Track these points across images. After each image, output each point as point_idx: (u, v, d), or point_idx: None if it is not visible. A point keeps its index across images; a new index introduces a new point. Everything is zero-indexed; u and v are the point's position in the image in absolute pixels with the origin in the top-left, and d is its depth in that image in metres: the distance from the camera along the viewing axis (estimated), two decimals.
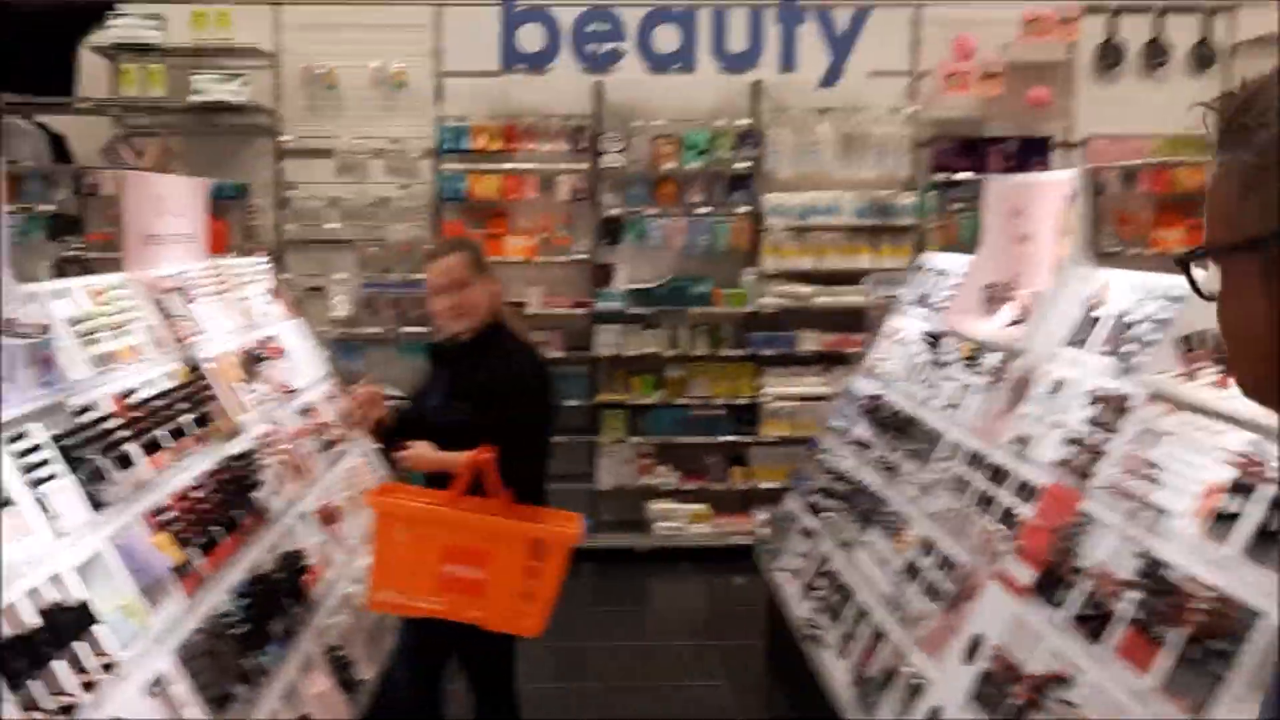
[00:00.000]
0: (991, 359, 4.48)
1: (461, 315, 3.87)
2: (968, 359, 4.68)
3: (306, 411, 5.29)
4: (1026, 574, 3.39)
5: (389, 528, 3.47)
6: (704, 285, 7.89)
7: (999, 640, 3.35)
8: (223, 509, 3.88)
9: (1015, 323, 4.59)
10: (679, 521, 7.81)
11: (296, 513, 4.62)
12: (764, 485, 7.89)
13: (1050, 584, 3.23)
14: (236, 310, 5.09)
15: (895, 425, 4.99)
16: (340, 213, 7.87)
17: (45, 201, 7.52)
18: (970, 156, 8.12)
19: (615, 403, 7.89)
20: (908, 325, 5.66)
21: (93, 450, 3.27)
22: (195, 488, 3.79)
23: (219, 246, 7.45)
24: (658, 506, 7.87)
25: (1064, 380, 3.81)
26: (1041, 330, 4.19)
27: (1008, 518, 3.71)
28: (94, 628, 2.88)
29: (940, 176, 7.97)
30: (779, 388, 7.89)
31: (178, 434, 3.87)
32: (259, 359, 4.80)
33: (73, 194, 7.57)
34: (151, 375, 3.93)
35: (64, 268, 7.07)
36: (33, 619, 2.70)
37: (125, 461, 3.44)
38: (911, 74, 8.08)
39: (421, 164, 7.93)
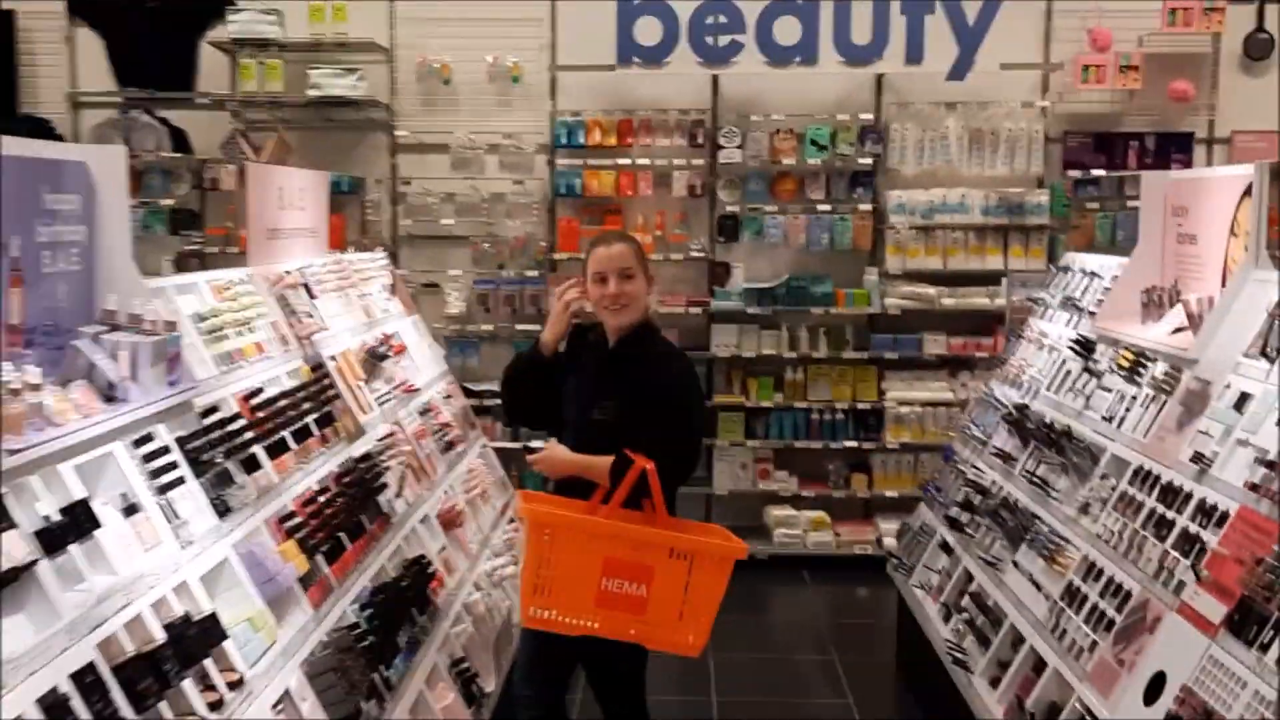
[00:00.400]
0: (1156, 369, 4.15)
1: (625, 307, 3.68)
2: (1128, 368, 4.35)
3: (426, 411, 5.15)
4: (1216, 608, 3.08)
5: (546, 540, 3.25)
6: (824, 285, 7.63)
7: (1188, 681, 3.05)
8: (348, 514, 3.73)
9: (1181, 330, 4.25)
10: (798, 529, 7.56)
11: (419, 516, 4.47)
12: (887, 493, 7.64)
13: (1248, 621, 2.92)
14: (358, 306, 4.97)
15: (1045, 438, 4.67)
16: (454, 208, 7.76)
17: (166, 195, 7.55)
18: (1105, 153, 7.74)
19: (732, 405, 7.66)
20: (1053, 330, 5.33)
21: (219, 453, 3.13)
22: (320, 491, 3.65)
23: (335, 241, 7.41)
24: (776, 513, 7.64)
25: (1249, 394, 3.48)
26: (1217, 339, 3.86)
27: (1187, 543, 3.39)
28: (222, 644, 2.72)
29: (1074, 173, 7.65)
30: (902, 392, 7.59)
31: (302, 435, 3.74)
32: (381, 356, 4.67)
33: (193, 188, 7.58)
34: (275, 373, 3.81)
35: (183, 262, 7.07)
36: (158, 633, 2.55)
37: (251, 465, 3.30)
38: (1044, 66, 7.70)
39: (536, 159, 7.78)
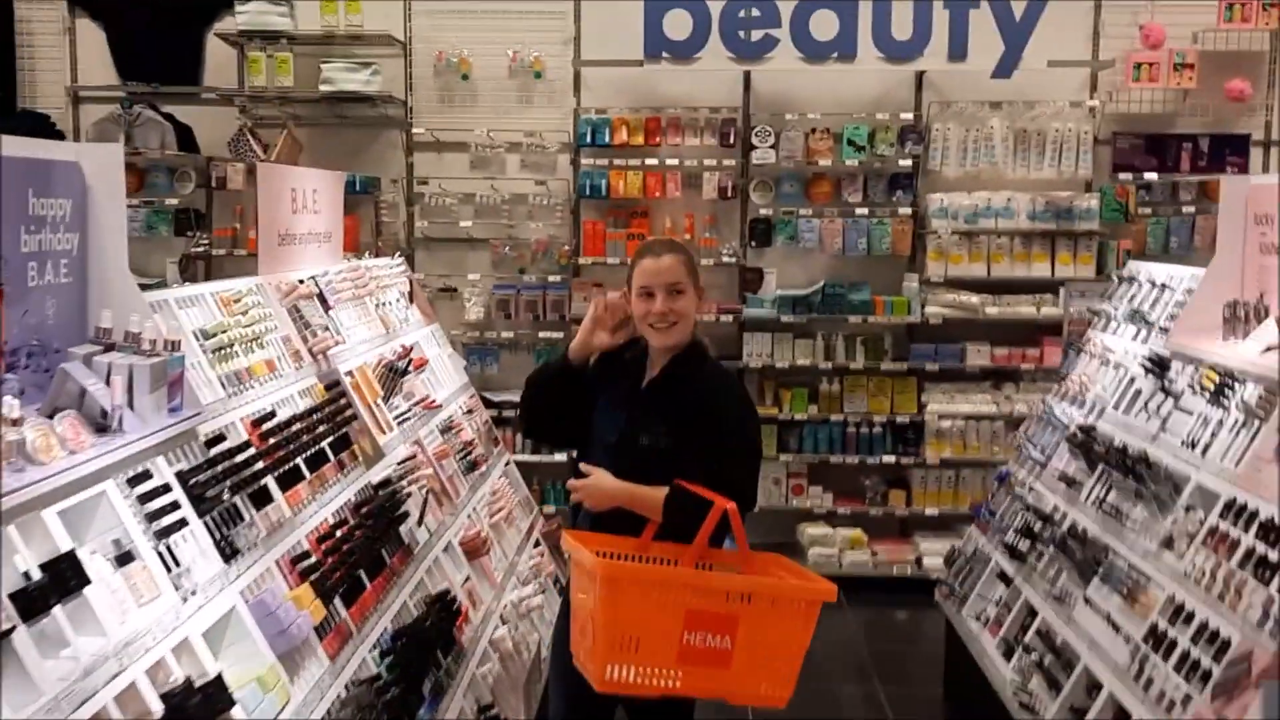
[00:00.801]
0: (1247, 392, 3.79)
1: (673, 325, 3.31)
2: (1212, 390, 4.00)
3: (449, 428, 4.81)
4: None
5: (621, 595, 2.87)
6: (862, 292, 7.31)
7: None
8: (367, 548, 3.39)
9: (1273, 349, 3.89)
10: (833, 548, 7.22)
11: (442, 545, 4.13)
12: (926, 511, 7.33)
13: None
14: (375, 316, 4.63)
15: (1120, 463, 4.31)
16: (473, 209, 7.44)
17: (171, 195, 7.23)
18: (1157, 155, 7.40)
19: (765, 417, 7.21)
20: (1118, 345, 4.98)
21: (225, 488, 2.79)
22: (337, 525, 3.31)
23: (349, 245, 7.08)
24: (810, 531, 7.31)
25: None
26: None
27: None
28: (229, 713, 2.38)
29: (1125, 177, 7.31)
30: (943, 405, 7.25)
31: (317, 462, 3.40)
32: (401, 371, 4.33)
33: (198, 187, 7.26)
34: (287, 393, 3.47)
35: (188, 264, 6.74)
36: (155, 705, 2.21)
37: (261, 499, 2.96)
38: (1093, 64, 7.35)
39: (559, 159, 7.47)
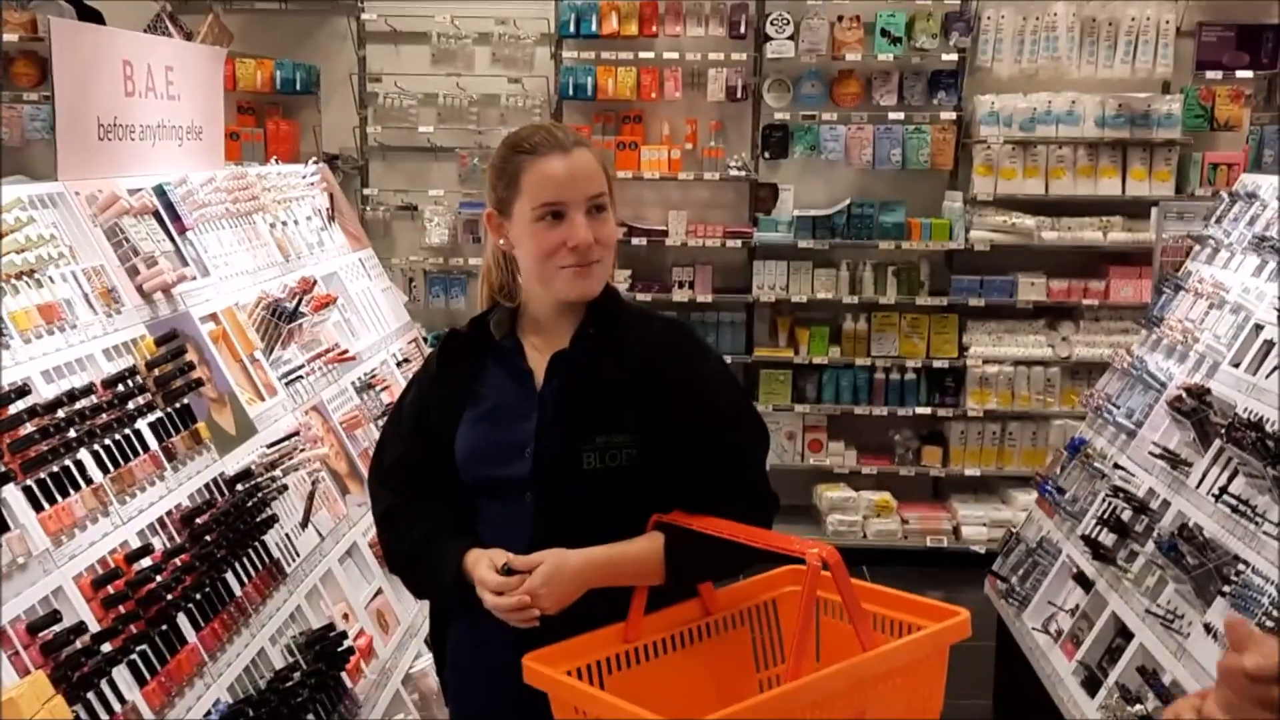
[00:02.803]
0: None
1: (597, 265, 2.06)
2: None
3: (369, 386, 3.73)
4: None
5: None
6: (895, 213, 6.31)
7: None
8: (199, 580, 2.33)
9: None
10: (856, 514, 6.29)
11: (340, 551, 3.08)
12: (966, 471, 6.39)
13: None
14: (269, 241, 3.53)
15: (1244, 440, 3.21)
16: (436, 113, 6.36)
17: None
18: (1249, 49, 6.30)
19: (777, 360, 6.42)
20: (1234, 281, 3.88)
21: None
22: (139, 553, 2.24)
23: (285, 152, 5.99)
24: (829, 494, 6.35)
25: None
26: None
27: None
28: None
29: (1211, 75, 6.26)
30: (988, 348, 6.27)
31: (122, 454, 2.33)
32: (289, 314, 3.24)
33: None
34: (85, 352, 2.39)
35: None
36: None
37: None
38: None
39: (537, 52, 6.37)
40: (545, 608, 1.90)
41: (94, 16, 6.15)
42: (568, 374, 2.06)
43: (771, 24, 6.17)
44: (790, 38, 6.17)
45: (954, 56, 6.22)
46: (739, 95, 6.28)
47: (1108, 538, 3.77)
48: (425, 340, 5.40)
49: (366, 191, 6.35)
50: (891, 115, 6.27)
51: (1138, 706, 3.19)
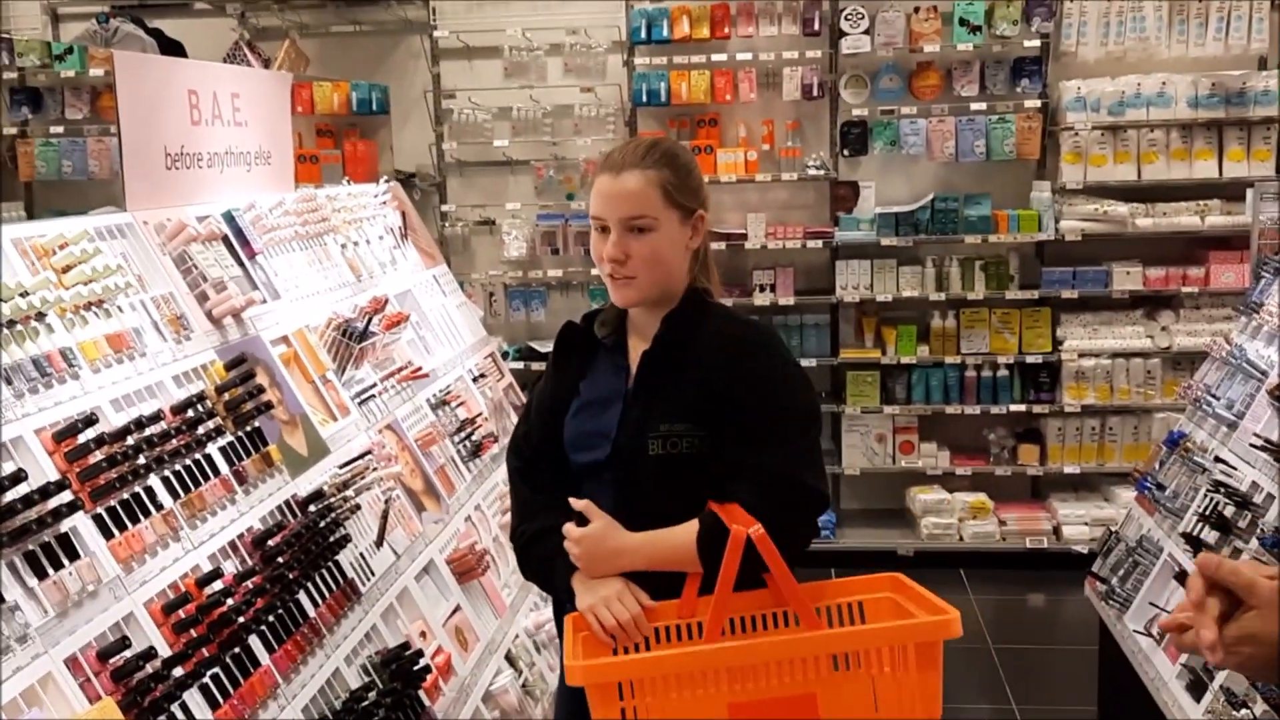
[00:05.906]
0: None
1: (630, 280, 2.23)
2: None
3: (443, 403, 3.73)
4: None
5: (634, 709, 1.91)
6: (980, 206, 6.11)
7: None
8: (271, 601, 2.34)
9: None
10: (951, 516, 6.09)
11: (416, 569, 3.07)
12: (1065, 469, 6.15)
13: None
14: (340, 262, 3.55)
15: None
16: (510, 126, 6.33)
17: None
18: None
19: (864, 361, 6.23)
20: None
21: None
22: (209, 577, 2.25)
23: (363, 172, 6.04)
24: (922, 497, 6.17)
25: None
26: None
27: None
28: None
29: None
30: (1084, 340, 6.04)
31: (193, 479, 2.34)
32: (360, 334, 3.24)
33: None
34: (155, 379, 2.41)
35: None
36: None
37: (67, 552, 1.91)
38: None
39: (609, 60, 6.32)
40: (578, 562, 2.17)
41: (176, 48, 6.30)
42: (647, 370, 2.25)
43: (846, 19, 6.04)
44: (865, 32, 6.03)
45: (1036, 42, 6.01)
46: (815, 93, 6.14)
47: (1210, 535, 3.60)
48: (506, 355, 5.40)
49: (444, 208, 6.37)
50: (974, 106, 6.07)
51: (1244, 711, 3.03)
